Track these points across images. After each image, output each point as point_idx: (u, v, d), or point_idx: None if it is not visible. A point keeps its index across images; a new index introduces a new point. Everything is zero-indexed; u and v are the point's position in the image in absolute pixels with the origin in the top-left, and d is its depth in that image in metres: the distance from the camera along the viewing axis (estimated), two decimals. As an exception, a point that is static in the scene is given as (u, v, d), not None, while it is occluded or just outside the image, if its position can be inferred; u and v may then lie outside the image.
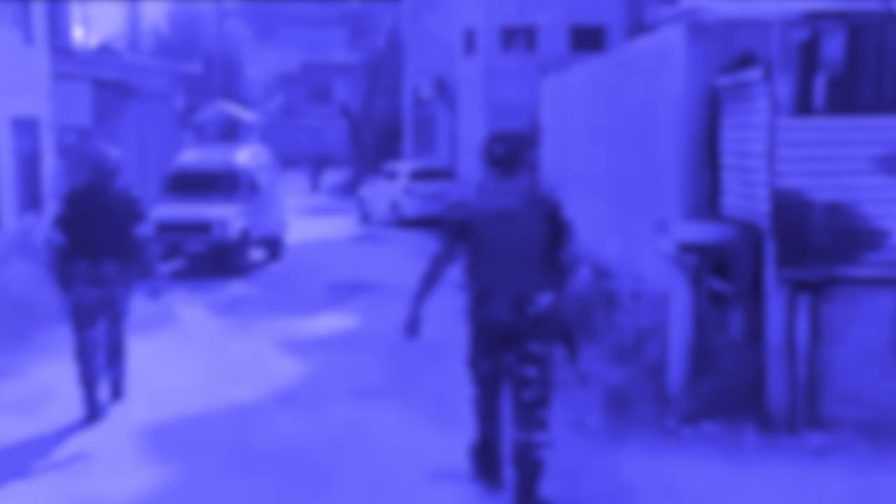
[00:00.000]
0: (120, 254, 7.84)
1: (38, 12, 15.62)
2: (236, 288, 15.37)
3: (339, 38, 46.00)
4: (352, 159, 36.21)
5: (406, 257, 19.43)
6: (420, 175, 24.32)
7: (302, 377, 9.64)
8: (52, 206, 16.20)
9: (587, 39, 18.54)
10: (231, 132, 17.53)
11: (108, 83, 18.55)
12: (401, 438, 7.60)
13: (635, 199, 9.67)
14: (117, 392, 8.51)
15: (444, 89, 24.83)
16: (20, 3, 15.05)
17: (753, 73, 6.72)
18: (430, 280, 5.78)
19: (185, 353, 10.68)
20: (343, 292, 15.03)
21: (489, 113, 19.54)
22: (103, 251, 7.75)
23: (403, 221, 24.38)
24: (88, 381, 7.93)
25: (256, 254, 18.33)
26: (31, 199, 15.42)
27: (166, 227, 15.84)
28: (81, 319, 7.87)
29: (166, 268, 16.94)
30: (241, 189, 16.85)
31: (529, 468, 5.50)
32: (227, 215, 16.00)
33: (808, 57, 6.80)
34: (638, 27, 12.46)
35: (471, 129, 21.10)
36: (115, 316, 8.11)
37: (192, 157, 17.38)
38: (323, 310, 13.49)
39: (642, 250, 9.43)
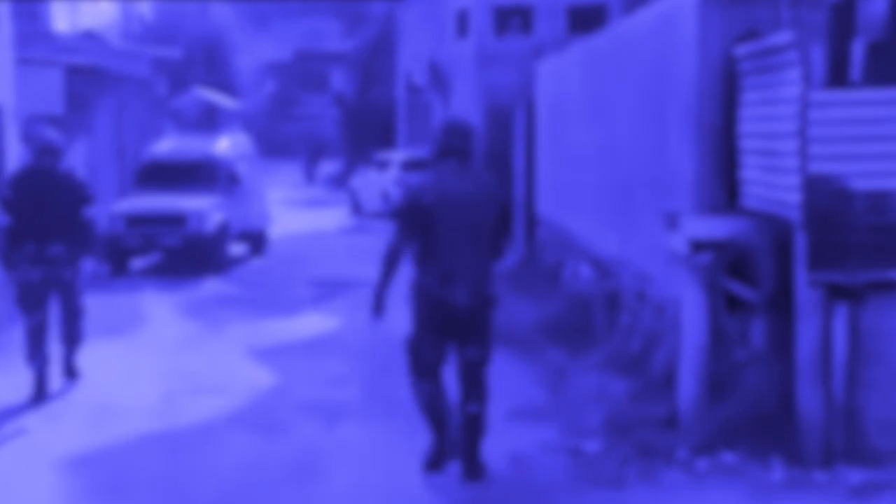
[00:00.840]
0: (66, 235, 7.87)
1: (0, -6, 14.46)
2: (212, 286, 14.25)
3: (335, 27, 44.81)
4: (345, 149, 35.05)
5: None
6: (412, 165, 23.17)
7: (268, 391, 8.53)
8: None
9: (586, 20, 17.37)
10: (210, 120, 16.37)
11: (81, 69, 17.40)
12: (372, 468, 6.49)
13: (640, 188, 8.54)
14: (71, 372, 8.47)
15: (437, 75, 23.66)
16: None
17: (782, 37, 5.58)
18: (390, 266, 5.79)
19: (143, 361, 9.57)
20: (326, 290, 13.91)
21: (482, 98, 18.38)
22: (49, 232, 7.78)
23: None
24: (36, 361, 7.95)
25: (237, 248, 17.20)
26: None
27: (138, 220, 14.73)
28: (28, 300, 7.94)
29: (138, 263, 15.83)
30: (219, 180, 15.73)
31: (478, 434, 5.90)
32: (204, 207, 14.89)
33: (843, 19, 5.67)
34: (640, 6, 11.37)
35: (465, 115, 19.95)
36: (68, 296, 8.13)
37: (167, 146, 16.25)
38: (303, 310, 12.38)
39: (648, 246, 8.31)
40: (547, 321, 11.04)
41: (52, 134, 8.17)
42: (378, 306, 5.96)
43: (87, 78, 18.03)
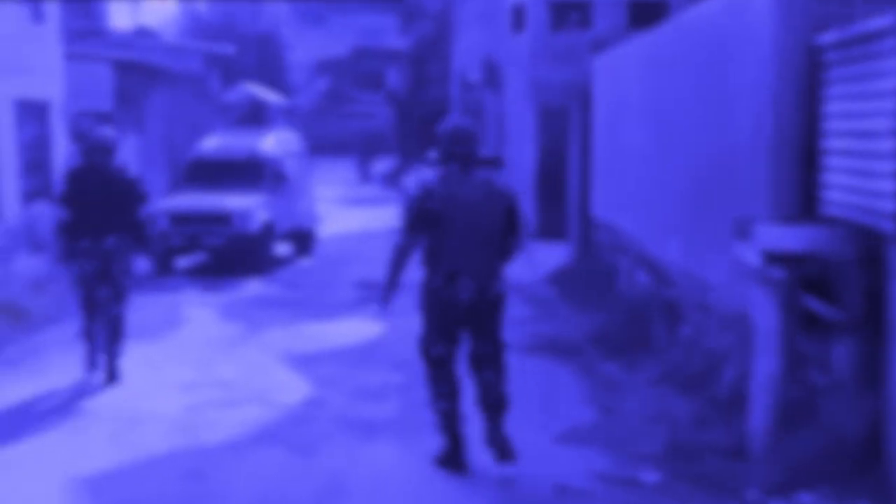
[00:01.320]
0: (119, 229, 8.15)
1: (48, -13, 14.12)
2: (255, 287, 13.75)
3: (391, 23, 44.26)
4: (398, 147, 34.51)
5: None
6: (465, 163, 22.51)
7: (301, 403, 7.95)
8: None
9: (647, 14, 16.57)
10: (257, 116, 15.89)
11: (131, 65, 17.04)
12: (404, 492, 5.87)
13: (706, 191, 7.81)
14: (112, 375, 8.37)
15: (491, 72, 22.99)
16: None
17: (880, 22, 4.83)
18: (398, 263, 5.94)
19: (175, 367, 9.06)
20: (373, 292, 13.28)
21: (537, 95, 17.66)
22: (103, 227, 8.08)
23: (448, 212, 22.63)
24: (91, 338, 8.29)
25: (283, 248, 16.72)
26: (38, 187, 13.96)
27: (182, 219, 14.27)
28: (84, 291, 8.24)
29: (183, 262, 15.40)
30: (265, 178, 15.22)
31: (499, 409, 5.93)
32: (249, 206, 14.39)
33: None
34: None
35: (518, 114, 19.28)
36: (117, 291, 8.30)
37: (213, 143, 15.79)
38: (346, 314, 11.81)
39: (714, 255, 7.58)
40: (600, 330, 10.34)
41: (105, 132, 8.38)
42: (385, 298, 6.08)
43: (138, 74, 17.67)
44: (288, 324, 11.13)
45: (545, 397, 8.11)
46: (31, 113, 13.83)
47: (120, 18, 26.16)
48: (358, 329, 10.84)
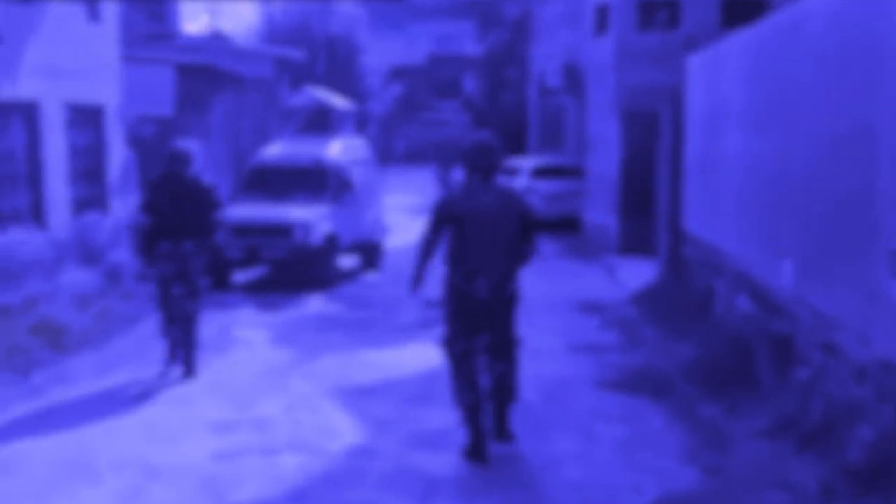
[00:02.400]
0: (196, 234, 8.68)
1: (106, -15, 13.28)
2: (315, 304, 12.68)
3: (467, 30, 43.15)
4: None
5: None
6: (543, 172, 21.25)
7: (350, 452, 6.79)
8: (123, 203, 13.88)
9: (741, 12, 15.13)
10: (322, 122, 14.84)
11: (195, 69, 16.19)
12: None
13: (836, 208, 6.44)
14: (190, 370, 8.76)
15: (572, 77, 21.70)
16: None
17: None
18: (425, 258, 6.44)
19: (213, 401, 8.01)
20: (438, 312, 12.15)
21: (621, 100, 16.33)
22: (181, 231, 8.62)
23: (524, 223, 21.34)
24: (170, 335, 8.78)
25: (349, 261, 15.66)
26: (92, 196, 13.13)
27: (240, 230, 13.29)
28: (164, 292, 8.78)
29: (241, 276, 14.42)
30: (330, 187, 14.18)
31: (506, 396, 6.44)
32: (311, 217, 13.35)
33: None
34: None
35: (601, 120, 17.95)
36: (193, 291, 8.80)
37: (275, 150, 14.80)
38: (411, 337, 10.66)
39: (844, 286, 6.22)
40: (695, 363, 8.98)
41: (183, 144, 8.96)
42: (416, 281, 6.56)
43: (202, 78, 16.83)
44: (345, 349, 10.01)
45: (632, 447, 6.84)
46: (85, 117, 13.00)
47: (194, 24, 25.54)
48: (420, 356, 9.67)
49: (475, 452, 6.34)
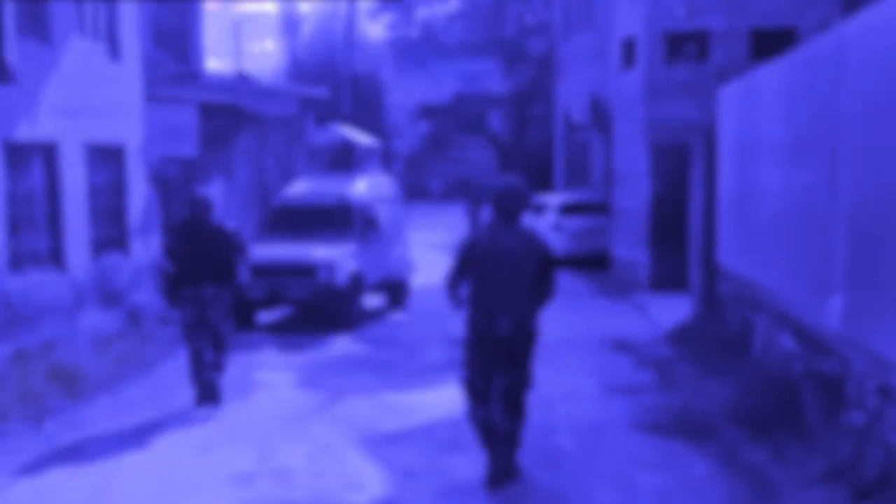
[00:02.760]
0: (217, 279, 8.85)
1: (128, 22, 13.12)
2: (340, 345, 12.32)
3: (493, 68, 43.04)
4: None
5: (553, 303, 16.01)
6: (570, 209, 20.87)
7: None
8: (144, 243, 13.63)
9: (771, 43, 14.77)
10: (346, 159, 14.58)
11: (217, 108, 16.02)
12: None
13: (892, 241, 6.01)
14: (214, 396, 9.03)
15: (598, 112, 21.38)
16: (104, 8, 12.53)
17: None
18: (453, 289, 6.58)
19: (233, 448, 7.64)
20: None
21: (650, 134, 15.97)
22: (203, 277, 8.79)
23: (552, 260, 20.93)
24: (198, 383, 8.94)
25: (375, 301, 15.31)
26: (112, 237, 12.89)
27: (263, 270, 12.98)
28: (188, 334, 8.94)
29: (266, 317, 14.09)
30: (354, 226, 13.87)
31: (512, 446, 6.61)
32: (336, 256, 13.03)
33: None
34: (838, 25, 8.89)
35: (628, 155, 17.59)
36: (217, 338, 9.01)
37: (299, 188, 14.53)
38: (438, 378, 10.27)
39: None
40: (736, 405, 8.52)
41: (203, 191, 9.32)
42: (454, 300, 6.64)
43: (225, 117, 16.65)
44: (370, 392, 9.63)
45: (675, 498, 6.39)
46: (105, 157, 12.80)
47: (219, 64, 25.48)
48: (448, 398, 9.25)
49: (495, 482, 6.59)
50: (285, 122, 19.52)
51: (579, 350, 11.88)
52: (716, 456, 7.39)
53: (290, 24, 32.53)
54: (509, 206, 6.55)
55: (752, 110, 10.11)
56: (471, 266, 6.54)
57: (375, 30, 39.79)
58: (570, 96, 23.98)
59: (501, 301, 6.47)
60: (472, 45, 42.17)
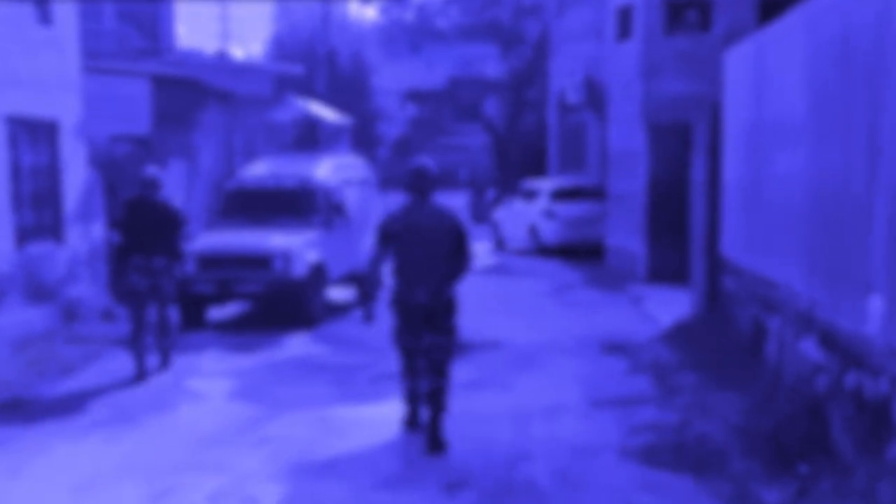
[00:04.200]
0: (166, 251, 9.32)
1: (62, -15, 11.52)
2: (297, 345, 10.78)
3: (490, 52, 41.34)
4: (496, 179, 31.42)
5: (541, 296, 14.50)
6: (563, 194, 19.30)
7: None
8: (84, 231, 12.10)
9: (779, 9, 13.15)
10: (310, 137, 12.99)
11: (175, 83, 14.41)
12: None
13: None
14: (165, 362, 9.49)
15: (593, 91, 19.79)
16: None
17: None
18: (375, 270, 7.11)
19: (127, 481, 6.12)
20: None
21: (647, 112, 14.39)
22: (153, 249, 9.26)
23: (543, 249, 19.39)
24: (139, 349, 9.08)
25: (342, 294, 13.76)
26: (43, 224, 11.33)
27: (212, 261, 11.45)
28: (134, 301, 9.27)
29: (219, 313, 12.53)
30: (318, 211, 12.31)
31: (438, 409, 6.86)
32: (294, 245, 11.48)
33: None
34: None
35: (625, 134, 16.02)
36: (163, 300, 9.40)
37: (257, 170, 12.95)
38: (399, 387, 8.71)
39: None
40: (749, 427, 6.98)
41: (152, 170, 9.59)
42: (373, 287, 7.25)
43: (186, 93, 15.06)
44: (317, 405, 8.09)
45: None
46: (33, 133, 11.22)
47: (211, 47, 23.85)
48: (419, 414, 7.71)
49: (411, 423, 7.25)
50: (258, 103, 17.93)
51: (566, 352, 10.36)
52: (725, 494, 5.86)
53: (279, 6, 30.96)
54: (420, 185, 6.91)
55: (766, 76, 8.53)
56: (390, 241, 6.92)
57: (369, 13, 38.18)
58: (564, 76, 22.38)
59: (419, 272, 6.86)
60: (468, 28, 40.50)
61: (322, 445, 6.92)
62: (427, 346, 6.88)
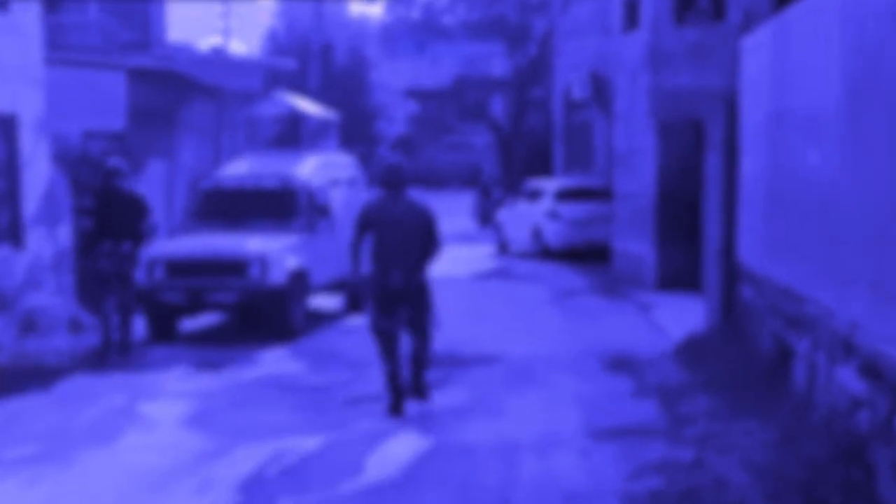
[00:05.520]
0: (132, 237, 9.84)
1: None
2: (272, 362, 9.68)
3: (496, 51, 40.16)
4: (501, 179, 30.26)
5: (543, 303, 13.37)
6: (568, 194, 18.15)
7: None
8: (47, 234, 11.03)
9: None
10: (293, 133, 11.87)
11: (155, 76, 13.33)
12: None
13: None
14: (125, 344, 9.87)
15: (600, 87, 18.64)
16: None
17: None
18: (354, 256, 7.72)
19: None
20: (432, 373, 9.07)
21: (659, 106, 13.21)
22: (121, 234, 9.78)
23: (547, 252, 18.23)
24: (106, 324, 9.81)
25: (329, 302, 12.65)
26: (2, 227, 10.25)
27: (182, 268, 10.38)
28: (103, 282, 9.88)
29: (192, 324, 11.42)
30: (300, 213, 11.21)
31: (420, 366, 7.64)
32: (272, 249, 10.39)
33: None
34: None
35: (632, 131, 14.87)
36: (126, 284, 9.87)
37: (235, 169, 11.85)
38: (373, 413, 7.62)
39: None
40: (777, 471, 5.82)
41: (116, 160, 10.10)
42: (353, 264, 7.78)
43: (167, 88, 13.97)
44: (278, 436, 6.96)
45: None
46: (-11, 130, 10.14)
47: (209, 43, 22.79)
48: (380, 450, 6.60)
49: (394, 409, 7.47)
50: (248, 99, 16.81)
51: (565, 368, 9.25)
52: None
53: (279, 3, 29.87)
54: (392, 180, 7.61)
55: (792, 61, 7.36)
56: (367, 230, 7.58)
57: (374, 10, 37.08)
58: (570, 72, 21.21)
59: (393, 257, 7.46)
60: (473, 24, 39.35)
61: (272, 491, 5.79)
62: (407, 319, 7.53)
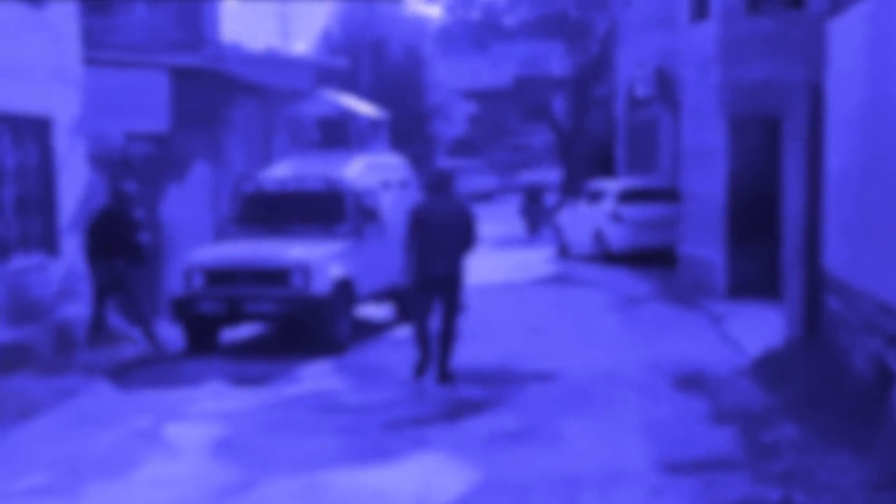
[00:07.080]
0: (126, 257, 9.86)
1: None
2: (313, 378, 8.96)
3: (557, 50, 39.15)
4: (561, 181, 29.28)
5: (604, 311, 12.47)
6: (632, 196, 17.17)
7: None
8: (80, 240, 10.49)
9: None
10: (341, 133, 11.15)
11: (200, 75, 12.74)
12: None
13: None
14: (153, 343, 9.84)
15: (666, 83, 17.63)
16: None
17: None
18: (410, 254, 8.55)
19: None
20: (484, 390, 8.33)
21: (730, 100, 12.22)
22: (115, 253, 9.82)
23: (609, 256, 17.27)
24: (99, 327, 9.98)
25: (378, 311, 11.90)
26: (30, 233, 9.69)
27: (221, 276, 9.72)
28: (101, 292, 9.94)
29: (233, 334, 10.75)
30: (347, 218, 10.49)
31: (447, 347, 8.53)
32: (316, 257, 9.69)
33: None
34: None
35: (701, 128, 13.88)
36: (128, 291, 9.92)
37: (279, 172, 11.15)
38: (423, 440, 6.86)
39: None
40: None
41: (128, 185, 10.18)
42: (409, 261, 8.59)
43: (213, 88, 13.39)
44: (312, 467, 6.22)
45: None
46: (19, 131, 9.60)
47: (253, 43, 22.29)
48: (439, 483, 5.82)
49: (420, 371, 8.53)
50: (299, 99, 16.18)
51: (630, 386, 8.37)
52: None
53: (336, 3, 29.33)
54: (438, 183, 8.63)
55: (886, 46, 6.39)
56: (417, 227, 8.43)
57: (433, 11, 36.38)
58: (633, 69, 20.20)
59: (437, 251, 8.40)
60: (534, 23, 38.43)
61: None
62: (443, 301, 8.43)
